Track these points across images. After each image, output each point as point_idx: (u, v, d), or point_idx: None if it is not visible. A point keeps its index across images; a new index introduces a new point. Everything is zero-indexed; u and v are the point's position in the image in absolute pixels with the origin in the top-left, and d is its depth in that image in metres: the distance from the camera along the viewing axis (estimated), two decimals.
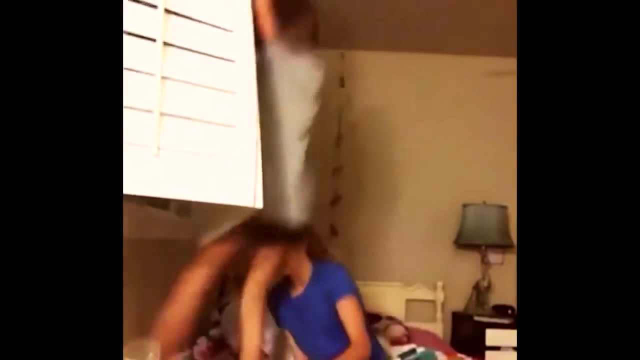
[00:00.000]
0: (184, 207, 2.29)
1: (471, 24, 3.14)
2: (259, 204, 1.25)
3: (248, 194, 1.25)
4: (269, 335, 2.57)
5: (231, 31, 1.30)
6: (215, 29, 1.28)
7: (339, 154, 3.38)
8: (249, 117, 1.29)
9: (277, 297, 2.22)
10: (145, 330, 1.73)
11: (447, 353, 2.63)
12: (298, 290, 2.17)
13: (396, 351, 2.56)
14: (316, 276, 2.13)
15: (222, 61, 1.28)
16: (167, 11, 1.20)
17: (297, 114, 1.72)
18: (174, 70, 1.20)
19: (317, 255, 2.19)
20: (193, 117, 1.22)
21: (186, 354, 2.17)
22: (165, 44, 1.19)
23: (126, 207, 0.97)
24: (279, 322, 2.26)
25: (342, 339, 2.02)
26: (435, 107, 3.62)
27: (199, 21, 1.26)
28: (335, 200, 3.40)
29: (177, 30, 1.22)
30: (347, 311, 2.03)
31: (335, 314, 2.05)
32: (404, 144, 3.60)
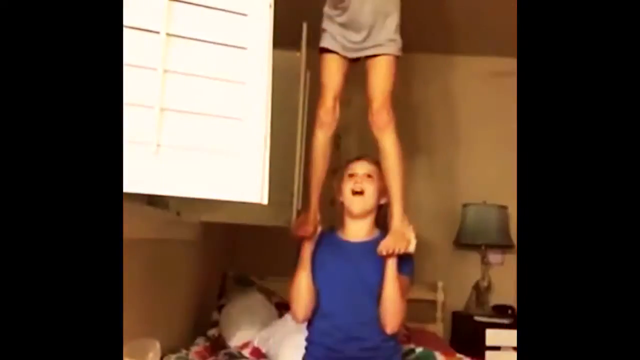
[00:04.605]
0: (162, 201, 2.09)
1: (472, 25, 3.14)
2: (265, 200, 1.23)
3: (255, 189, 1.22)
4: (267, 334, 2.57)
5: (245, 15, 1.20)
6: (225, 12, 1.18)
7: (339, 154, 3.37)
8: (258, 109, 1.22)
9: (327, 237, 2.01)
10: (145, 329, 1.74)
11: (445, 354, 2.63)
12: (360, 236, 2.01)
13: None
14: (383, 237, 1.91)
15: (232, 49, 1.18)
16: None
17: None
18: (179, 62, 1.13)
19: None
20: (197, 111, 1.15)
21: (182, 354, 2.17)
22: (169, 34, 1.12)
23: (126, 207, 0.97)
24: (314, 264, 1.97)
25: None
26: (434, 107, 3.61)
27: (206, 6, 1.16)
28: (335, 201, 3.39)
29: (181, 19, 1.14)
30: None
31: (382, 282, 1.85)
32: (403, 143, 3.59)
